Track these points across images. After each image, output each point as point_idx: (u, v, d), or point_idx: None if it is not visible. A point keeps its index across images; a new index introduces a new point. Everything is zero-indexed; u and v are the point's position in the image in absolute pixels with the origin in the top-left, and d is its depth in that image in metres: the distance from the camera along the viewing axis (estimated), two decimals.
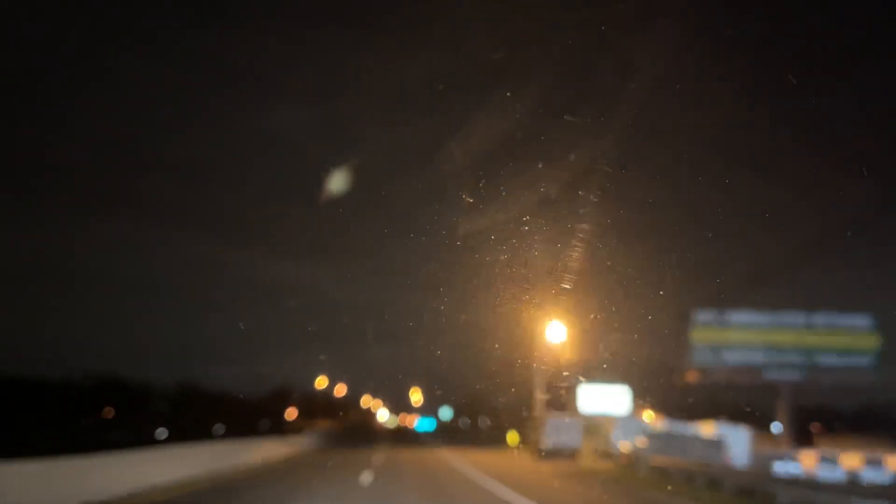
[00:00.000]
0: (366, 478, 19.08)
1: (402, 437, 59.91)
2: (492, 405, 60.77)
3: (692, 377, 39.48)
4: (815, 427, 42.73)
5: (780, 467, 27.35)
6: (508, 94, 13.10)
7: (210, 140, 52.84)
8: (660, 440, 23.99)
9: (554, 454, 31.89)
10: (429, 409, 76.44)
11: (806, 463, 27.97)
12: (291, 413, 54.22)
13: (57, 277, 57.84)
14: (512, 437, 44.97)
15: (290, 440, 32.78)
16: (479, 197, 12.65)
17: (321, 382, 54.00)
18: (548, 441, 32.12)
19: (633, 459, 24.96)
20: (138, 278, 60.35)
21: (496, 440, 46.61)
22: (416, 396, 72.62)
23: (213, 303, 63.20)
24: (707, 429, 30.36)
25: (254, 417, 49.29)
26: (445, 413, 77.37)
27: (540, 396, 36.19)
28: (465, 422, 72.98)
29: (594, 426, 33.36)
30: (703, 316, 39.11)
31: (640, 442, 25.45)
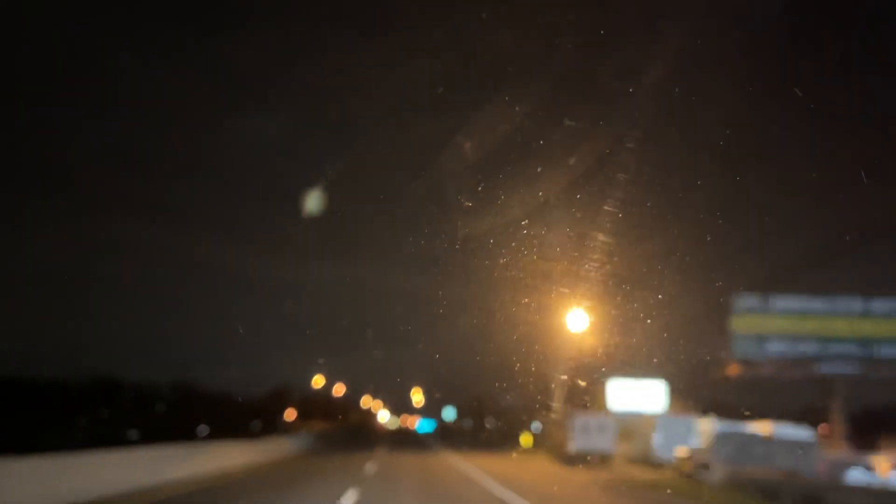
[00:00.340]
0: (348, 499, 12.79)
1: (404, 438, 53.52)
2: (499, 405, 55.43)
3: (733, 370, 33.23)
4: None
5: (855, 476, 21.31)
6: (507, 97, 12.66)
7: (210, 141, 50.78)
8: (733, 444, 17.73)
9: (582, 460, 25.75)
10: (431, 409, 71.48)
11: (882, 470, 22.00)
12: (290, 414, 50.79)
13: (56, 278, 53.82)
14: (526, 439, 38.70)
15: (273, 443, 26.42)
16: (479, 200, 12.32)
17: (318, 382, 50.41)
18: (575, 444, 25.85)
19: (696, 468, 18.66)
20: (138, 279, 57.56)
21: (506, 443, 40.24)
22: (417, 397, 68.49)
23: (213, 303, 59.91)
24: (764, 430, 24.17)
25: (251, 418, 45.41)
26: (449, 413, 71.31)
27: (560, 393, 30.29)
28: (469, 423, 66.59)
29: (629, 427, 27.07)
30: (744, 301, 32.90)
31: (706, 446, 19.17)
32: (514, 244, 12.28)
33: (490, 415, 60.15)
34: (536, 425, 43.75)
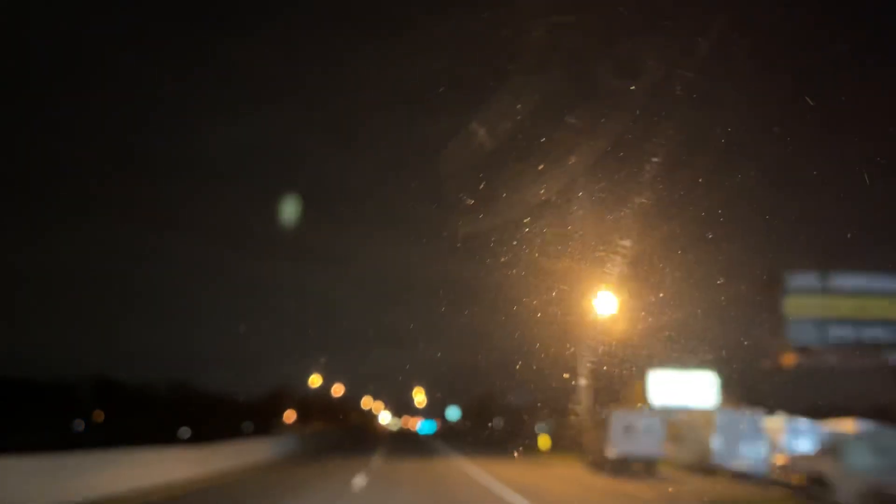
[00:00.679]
0: None
1: (406, 440, 47.88)
2: (506, 404, 50.47)
3: (789, 360, 27.71)
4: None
5: None
6: (509, 96, 12.27)
7: (210, 142, 53.21)
8: (874, 448, 12.26)
9: (622, 467, 20.37)
10: (434, 410, 67.99)
11: None
12: (290, 415, 48.50)
13: (55, 279, 55.41)
14: (543, 440, 33.17)
15: (246, 447, 20.92)
16: (480, 199, 12.15)
17: (314, 381, 48.42)
18: (615, 447, 20.36)
19: (809, 482, 13.16)
20: (138, 280, 59.02)
21: (518, 445, 34.68)
22: (419, 397, 64.97)
23: (214, 305, 62.12)
24: (846, 428, 18.69)
25: (246, 419, 43.49)
26: (453, 413, 65.99)
27: (587, 388, 24.97)
28: (475, 423, 61.15)
29: (679, 426, 21.60)
30: (799, 281, 27.43)
31: (824, 450, 13.64)
32: (514, 242, 11.86)
33: (497, 415, 55.22)
34: (541, 426, 39.56)
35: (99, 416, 39.58)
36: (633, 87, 11.92)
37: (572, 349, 18.71)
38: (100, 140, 45.15)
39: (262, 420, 43.71)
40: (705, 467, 20.17)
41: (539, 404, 42.21)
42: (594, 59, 13.31)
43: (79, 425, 37.87)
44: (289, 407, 49.29)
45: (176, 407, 41.21)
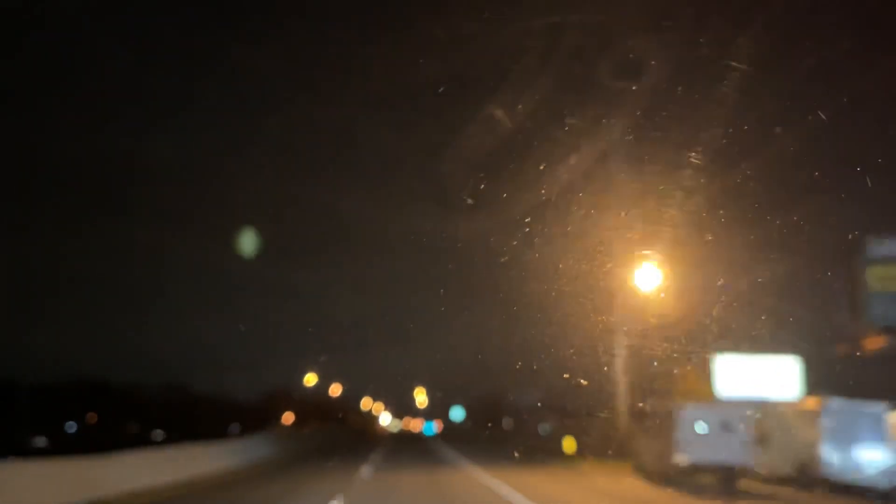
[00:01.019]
0: None
1: (406, 443, 42.69)
2: (515, 403, 45.96)
3: (873, 343, 22.44)
4: None
5: None
6: (509, 96, 12.25)
7: (207, 141, 49.10)
8: None
9: (691, 477, 15.09)
10: (436, 410, 64.07)
11: None
12: (288, 416, 46.93)
13: (52, 280, 52.60)
14: (569, 444, 27.80)
15: (196, 453, 15.53)
16: (481, 198, 12.15)
17: (310, 380, 46.28)
18: (688, 453, 14.99)
19: None
20: (137, 281, 54.55)
21: (530, 447, 29.52)
22: (420, 397, 61.50)
23: (213, 305, 57.99)
24: None
25: (241, 421, 41.68)
26: (457, 414, 61.12)
27: (625, 379, 20.01)
28: (480, 424, 56.32)
29: (772, 424, 16.20)
30: (885, 248, 22.26)
31: None
32: (515, 242, 11.82)
33: (506, 415, 50.57)
34: (544, 426, 36.32)
35: (92, 418, 38.84)
36: (634, 87, 11.64)
37: (572, 349, 15.79)
38: (97, 140, 44.72)
39: (259, 421, 41.10)
40: (806, 478, 14.81)
41: (539, 404, 37.64)
42: (594, 60, 13.01)
43: (71, 427, 37.34)
44: (286, 408, 47.25)
45: (171, 409, 40.62)
